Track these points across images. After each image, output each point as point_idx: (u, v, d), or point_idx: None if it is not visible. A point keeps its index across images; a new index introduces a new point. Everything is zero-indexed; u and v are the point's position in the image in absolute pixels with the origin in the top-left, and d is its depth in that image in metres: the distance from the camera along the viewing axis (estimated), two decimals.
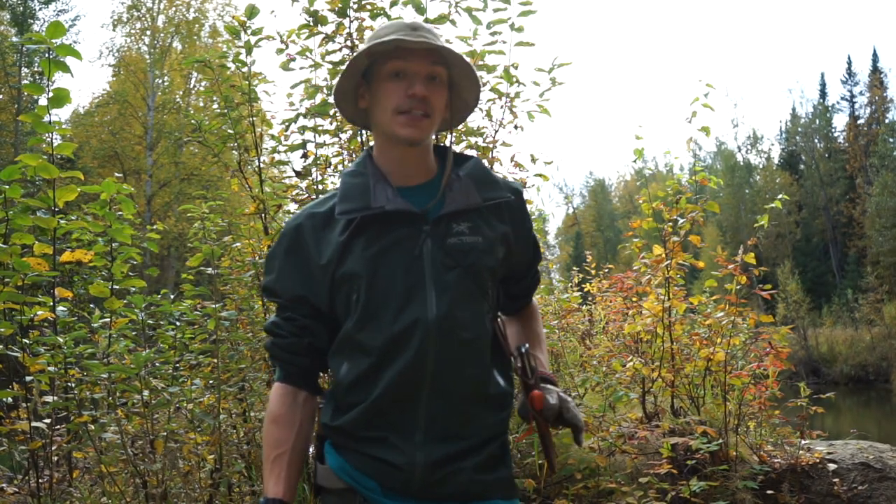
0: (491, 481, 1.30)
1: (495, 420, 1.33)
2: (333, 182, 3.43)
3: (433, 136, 1.43)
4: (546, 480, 3.36)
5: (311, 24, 3.22)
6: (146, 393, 2.84)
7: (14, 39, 20.40)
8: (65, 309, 3.00)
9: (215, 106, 3.47)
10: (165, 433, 2.97)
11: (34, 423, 2.70)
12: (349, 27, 3.23)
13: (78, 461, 3.20)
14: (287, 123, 3.33)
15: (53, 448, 2.84)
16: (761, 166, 42.91)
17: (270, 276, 1.40)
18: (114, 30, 22.79)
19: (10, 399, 2.87)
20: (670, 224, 4.03)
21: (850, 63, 41.56)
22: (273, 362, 1.40)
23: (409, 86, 1.31)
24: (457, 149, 1.67)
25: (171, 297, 3.76)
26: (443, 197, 1.35)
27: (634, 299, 4.54)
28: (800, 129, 42.39)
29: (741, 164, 42.30)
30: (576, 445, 1.55)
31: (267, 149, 3.60)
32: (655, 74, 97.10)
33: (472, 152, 3.42)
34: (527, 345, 1.38)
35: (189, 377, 3.43)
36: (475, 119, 3.63)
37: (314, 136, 3.31)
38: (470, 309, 1.30)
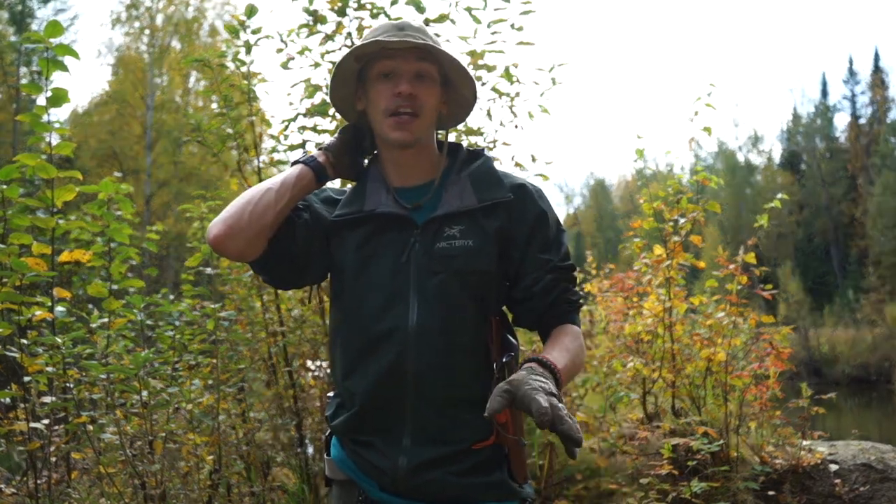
0: (481, 485, 1.29)
1: (486, 424, 1.27)
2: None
3: (436, 134, 1.42)
4: (546, 481, 3.35)
5: (311, 23, 3.22)
6: (145, 393, 2.83)
7: (12, 39, 20.38)
8: (63, 309, 2.98)
9: (214, 105, 3.47)
10: (164, 434, 2.96)
11: (32, 424, 2.68)
12: (349, 26, 3.23)
13: (76, 462, 3.19)
14: (286, 123, 3.32)
15: (52, 449, 2.82)
16: (762, 166, 42.90)
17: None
18: (112, 29, 22.79)
19: (8, 400, 2.86)
20: (671, 224, 4.02)
21: (851, 62, 41.74)
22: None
23: (395, 85, 1.31)
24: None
25: (171, 297, 3.75)
26: (438, 198, 1.35)
27: (635, 299, 4.53)
28: (801, 129, 42.31)
29: (742, 163, 42.26)
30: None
31: (266, 148, 3.59)
32: (656, 74, 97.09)
33: None
34: (511, 354, 1.32)
35: (188, 377, 3.41)
36: (475, 119, 3.63)
37: (314, 136, 3.30)
38: (454, 315, 1.29)
